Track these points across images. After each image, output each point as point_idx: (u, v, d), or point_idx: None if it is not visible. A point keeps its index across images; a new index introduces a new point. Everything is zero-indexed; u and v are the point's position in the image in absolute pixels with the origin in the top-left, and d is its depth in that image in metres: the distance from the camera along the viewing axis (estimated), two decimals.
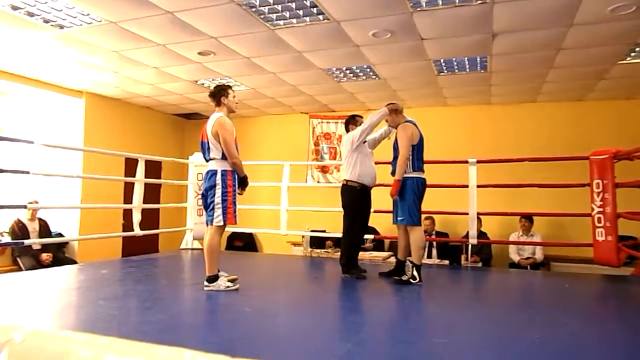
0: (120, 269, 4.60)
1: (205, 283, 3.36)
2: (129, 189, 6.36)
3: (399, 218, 3.87)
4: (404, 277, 3.80)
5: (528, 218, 6.17)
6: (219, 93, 3.45)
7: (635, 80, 5.85)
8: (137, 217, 5.37)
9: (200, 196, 4.26)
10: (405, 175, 3.85)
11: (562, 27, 4.27)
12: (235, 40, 4.83)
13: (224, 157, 3.36)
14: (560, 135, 6.85)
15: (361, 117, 4.30)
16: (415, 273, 3.75)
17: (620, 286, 4.14)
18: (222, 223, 3.33)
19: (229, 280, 3.40)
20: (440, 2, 3.89)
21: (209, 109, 8.24)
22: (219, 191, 3.32)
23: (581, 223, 5.05)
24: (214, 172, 3.36)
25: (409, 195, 3.84)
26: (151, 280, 4.01)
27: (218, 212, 3.32)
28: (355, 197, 4.07)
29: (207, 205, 3.39)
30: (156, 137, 8.71)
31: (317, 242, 6.92)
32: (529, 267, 6.06)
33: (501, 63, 5.34)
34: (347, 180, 4.10)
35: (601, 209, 4.47)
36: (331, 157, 8.10)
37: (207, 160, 3.47)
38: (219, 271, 3.40)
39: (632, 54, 4.97)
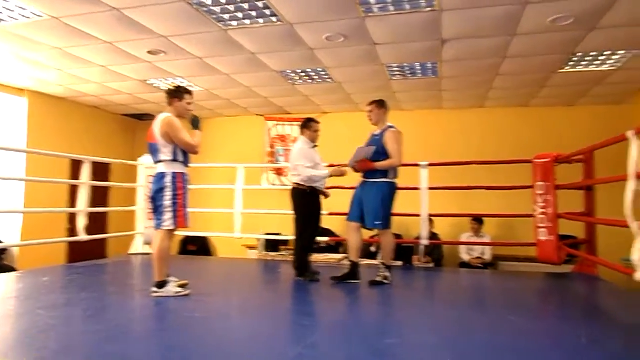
0: (63, 276, 4.38)
1: (154, 289, 3.25)
2: (75, 192, 6.07)
3: (376, 222, 3.82)
4: (378, 278, 3.84)
5: (477, 219, 6.39)
6: (175, 94, 3.35)
7: (574, 88, 6.19)
8: (82, 222, 5.14)
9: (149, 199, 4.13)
10: (389, 180, 3.84)
11: (506, 35, 4.45)
12: (187, 40, 4.73)
13: (174, 159, 3.26)
14: (507, 140, 7.14)
15: (317, 122, 4.26)
16: (387, 274, 3.86)
17: (561, 283, 4.35)
18: (172, 227, 3.24)
19: (179, 286, 3.31)
20: (392, 8, 3.96)
21: (160, 109, 8.03)
22: (168, 194, 3.22)
23: (527, 224, 5.27)
24: (163, 175, 3.24)
25: (388, 200, 3.85)
26: (96, 288, 3.84)
27: (168, 215, 3.22)
28: (305, 200, 4.07)
29: (156, 208, 3.28)
30: (105, 138, 8.38)
31: (272, 246, 6.87)
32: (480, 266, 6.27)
33: (451, 69, 5.51)
34: (296, 184, 4.10)
35: (543, 210, 4.69)
36: (287, 160, 8.05)
37: (155, 163, 3.34)
38: (168, 276, 3.30)
39: (570, 64, 5.25)
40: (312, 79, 6.13)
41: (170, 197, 3.22)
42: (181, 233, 7.11)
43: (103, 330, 2.46)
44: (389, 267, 3.91)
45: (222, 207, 6.81)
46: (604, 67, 5.34)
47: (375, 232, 4.40)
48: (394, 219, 6.67)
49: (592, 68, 5.37)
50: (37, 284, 3.78)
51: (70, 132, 7.59)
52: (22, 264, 6.50)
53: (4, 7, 3.99)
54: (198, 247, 8.12)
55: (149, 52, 5.08)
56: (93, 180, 5.31)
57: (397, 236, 6.78)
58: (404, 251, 6.48)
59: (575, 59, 5.09)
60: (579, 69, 5.40)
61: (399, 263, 5.86)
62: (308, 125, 4.22)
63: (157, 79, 6.19)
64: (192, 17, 4.15)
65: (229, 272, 5.08)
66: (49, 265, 5.29)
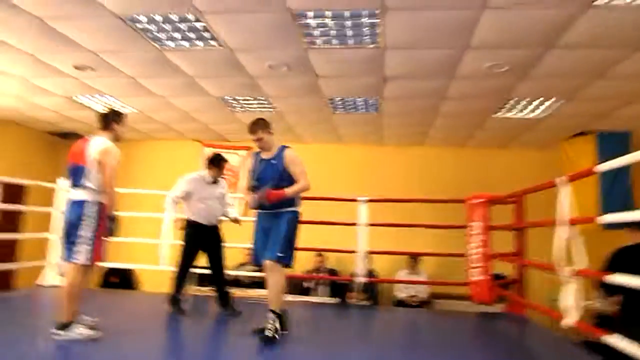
0: None
1: (55, 330, 2.83)
2: None
3: (279, 254, 3.08)
4: (268, 332, 2.98)
5: (414, 257, 6.38)
6: (113, 118, 3.13)
7: (506, 132, 6.47)
8: None
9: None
10: (297, 210, 3.28)
11: (446, 78, 4.55)
12: (118, 57, 4.42)
13: (101, 189, 2.94)
14: (446, 178, 7.28)
15: (226, 161, 4.31)
16: (278, 325, 3.04)
17: (491, 323, 4.41)
18: (88, 262, 2.89)
19: (90, 327, 2.91)
20: (335, 42, 3.92)
21: (88, 129, 7.48)
22: (90, 225, 2.89)
23: (463, 262, 5.30)
24: (83, 202, 2.90)
25: (294, 231, 3.23)
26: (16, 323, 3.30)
27: (84, 247, 2.86)
28: (189, 233, 4.14)
29: (69, 237, 2.89)
30: (24, 157, 7.65)
31: (205, 279, 6.45)
32: (414, 304, 6.22)
33: (392, 106, 5.56)
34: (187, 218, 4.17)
35: (477, 250, 4.72)
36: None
37: (74, 186, 2.97)
38: (78, 315, 2.89)
39: (504, 109, 5.48)
40: (253, 108, 5.96)
41: (92, 229, 2.89)
42: (104, 264, 6.53)
43: None
44: (279, 316, 3.09)
45: (149, 237, 6.36)
46: (535, 114, 5.61)
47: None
48: (330, 254, 6.62)
49: (523, 114, 5.63)
50: None
51: None
52: None
53: None
54: (120, 279, 7.51)
55: (75, 67, 4.70)
56: (3, 203, 4.76)
57: (333, 272, 6.65)
58: (340, 288, 6.33)
59: (508, 104, 5.31)
60: (511, 114, 5.64)
61: (333, 300, 5.68)
62: (215, 163, 4.21)
63: (84, 95, 5.76)
64: (125, 33, 3.87)
65: (145, 308, 4.65)
66: None
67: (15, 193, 6.88)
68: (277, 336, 2.99)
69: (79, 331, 2.85)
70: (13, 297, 4.84)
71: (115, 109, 3.29)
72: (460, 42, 3.80)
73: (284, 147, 3.31)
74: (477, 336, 4.08)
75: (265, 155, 3.30)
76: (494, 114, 5.64)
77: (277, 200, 3.10)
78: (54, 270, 5.35)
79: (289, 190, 3.13)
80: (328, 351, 3.06)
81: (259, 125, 3.28)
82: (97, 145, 2.98)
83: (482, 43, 3.79)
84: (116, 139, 3.13)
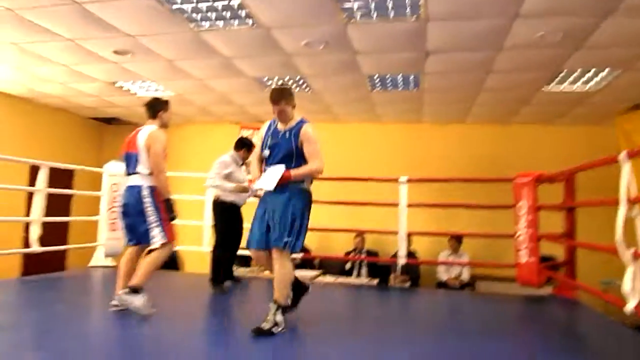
0: (14, 292, 3.99)
1: (124, 292, 2.99)
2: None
3: (285, 240, 2.76)
4: (266, 325, 2.68)
5: (456, 238, 6.21)
6: (159, 106, 3.29)
7: (554, 107, 6.12)
8: (35, 232, 4.74)
9: (117, 210, 3.79)
10: (306, 187, 2.92)
11: (492, 50, 4.30)
12: (156, 40, 4.42)
13: (151, 173, 3.14)
14: (488, 157, 7.02)
15: (254, 146, 3.86)
16: (280, 317, 2.72)
17: (539, 307, 4.21)
18: (165, 240, 3.10)
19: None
20: (375, 16, 3.76)
21: (130, 113, 7.70)
22: (151, 210, 3.09)
23: (506, 243, 5.11)
24: (140, 188, 3.10)
25: (307, 213, 2.90)
26: (44, 306, 3.46)
27: (156, 231, 3.08)
28: (224, 213, 4.17)
29: (138, 225, 3.11)
30: (70, 142, 7.92)
31: (244, 260, 6.53)
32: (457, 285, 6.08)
33: (433, 82, 5.35)
34: (218, 197, 4.22)
35: (524, 231, 4.53)
36: None
37: (130, 174, 3.18)
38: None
39: (555, 82, 5.16)
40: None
41: (155, 211, 3.10)
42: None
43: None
44: (283, 309, 2.78)
45: (192, 219, 6.48)
46: (588, 86, 5.26)
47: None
48: (370, 235, 6.55)
49: (575, 87, 5.29)
50: None
51: (30, 135, 7.13)
52: None
53: None
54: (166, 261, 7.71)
55: (115, 52, 4.75)
56: (52, 187, 4.94)
57: (374, 253, 6.58)
58: (381, 270, 6.26)
59: (559, 77, 4.99)
60: (562, 87, 5.31)
61: (374, 282, 5.63)
62: (245, 146, 4.27)
63: (126, 81, 5.84)
64: (161, 15, 3.86)
65: (189, 289, 4.74)
66: (1, 280, 4.86)
67: (64, 177, 7.14)
68: (274, 330, 2.67)
69: (144, 299, 2.98)
70: (65, 277, 5.04)
71: (160, 98, 3.41)
72: (509, 10, 3.56)
73: (302, 122, 2.90)
74: (525, 320, 3.91)
75: (281, 127, 2.92)
76: (543, 87, 5.33)
77: (281, 183, 2.78)
78: (103, 251, 5.54)
79: (296, 172, 2.80)
80: (370, 334, 3.00)
81: (284, 96, 2.87)
82: (145, 133, 3.18)
83: (534, 11, 3.53)
84: (164, 126, 3.31)
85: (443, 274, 6.28)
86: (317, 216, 6.45)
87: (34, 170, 6.52)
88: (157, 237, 3.08)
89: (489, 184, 5.53)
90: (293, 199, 2.81)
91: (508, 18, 3.69)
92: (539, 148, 6.92)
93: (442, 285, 6.23)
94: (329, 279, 5.68)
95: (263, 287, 4.49)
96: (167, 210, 3.14)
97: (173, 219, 3.18)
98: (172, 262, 7.81)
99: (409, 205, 4.93)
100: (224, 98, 6.42)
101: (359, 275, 6.24)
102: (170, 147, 9.30)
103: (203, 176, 5.90)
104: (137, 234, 3.13)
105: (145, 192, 3.09)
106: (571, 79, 5.05)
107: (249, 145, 4.25)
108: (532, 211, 4.47)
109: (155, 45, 4.54)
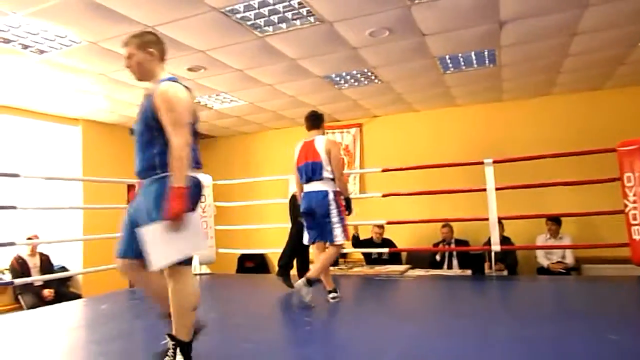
0: (121, 302, 4.33)
1: (303, 280, 3.39)
2: None
3: (338, 238, 3.52)
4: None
5: (555, 220, 5.73)
6: (321, 118, 3.79)
7: None
8: None
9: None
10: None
11: (577, 8, 3.89)
12: (225, 52, 4.56)
13: (332, 178, 3.56)
14: (578, 128, 6.40)
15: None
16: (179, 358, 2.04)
17: None
18: (343, 241, 3.54)
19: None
20: None
21: (211, 127, 8.05)
22: (334, 211, 3.51)
23: (614, 221, 4.60)
24: (326, 193, 3.53)
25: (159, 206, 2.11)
26: (151, 315, 3.68)
27: (338, 231, 3.50)
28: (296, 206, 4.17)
29: (319, 224, 3.56)
30: None
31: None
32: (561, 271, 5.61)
33: (511, 55, 4.97)
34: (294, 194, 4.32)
35: (636, 205, 4.05)
36: None
37: (313, 181, 3.57)
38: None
39: None
40: (359, 81, 5.79)
41: (337, 214, 3.52)
42: (237, 250, 6.99)
43: None
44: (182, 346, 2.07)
45: (276, 222, 6.63)
46: None
47: None
48: (457, 224, 6.25)
49: None
50: (95, 313, 3.78)
51: (124, 158, 7.70)
52: (87, 290, 6.61)
53: (44, 38, 4.00)
54: (255, 264, 7.97)
55: (189, 70, 4.97)
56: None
57: (464, 243, 6.27)
58: (474, 259, 5.95)
59: None
60: None
61: (468, 273, 5.35)
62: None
63: (202, 96, 6.11)
64: (227, 26, 3.96)
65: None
66: (112, 291, 5.30)
67: None
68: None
69: (309, 291, 3.37)
70: None
71: (315, 111, 3.86)
72: None
73: (164, 80, 2.14)
74: None
75: (147, 90, 2.23)
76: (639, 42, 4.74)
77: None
78: (198, 259, 5.81)
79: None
80: (474, 326, 2.83)
81: (133, 37, 2.23)
82: (322, 141, 3.61)
83: None
84: (324, 134, 3.79)
85: (543, 259, 5.83)
86: (401, 209, 6.35)
87: (131, 189, 7.07)
88: (338, 236, 3.50)
89: (585, 158, 5.01)
90: (154, 194, 2.04)
91: None
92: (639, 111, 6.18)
93: (543, 271, 5.77)
94: (419, 272, 5.50)
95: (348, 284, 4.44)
96: (347, 208, 3.63)
97: (349, 214, 3.67)
98: (262, 266, 8.06)
99: (498, 189, 4.62)
100: (295, 100, 6.49)
101: (450, 266, 5.99)
102: (249, 155, 9.65)
103: (282, 178, 6.03)
104: (322, 234, 3.57)
105: (331, 196, 3.52)
106: None
107: None
108: None
109: (225, 57, 4.69)
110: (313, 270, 3.47)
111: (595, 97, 6.50)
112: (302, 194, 3.66)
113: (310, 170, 3.57)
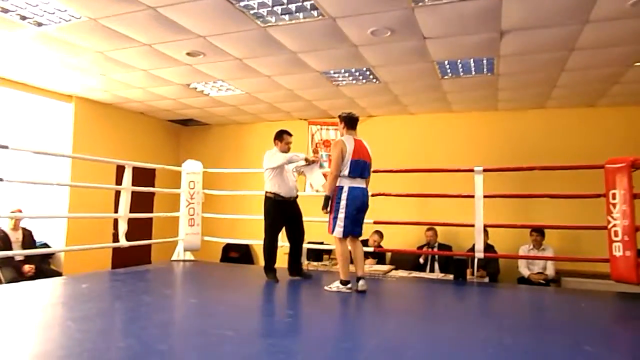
0: (103, 282, 4.30)
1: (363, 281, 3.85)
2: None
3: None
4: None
5: (539, 231, 5.82)
6: (355, 118, 4.04)
7: None
8: (122, 227, 5.07)
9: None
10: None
11: (577, 24, 3.94)
12: (225, 39, 4.54)
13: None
14: (571, 144, 6.50)
15: (290, 134, 4.53)
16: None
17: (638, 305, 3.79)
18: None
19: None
20: None
21: (205, 115, 8.03)
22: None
23: (596, 236, 4.69)
24: (367, 190, 4.00)
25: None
26: (132, 296, 3.68)
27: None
28: (270, 207, 4.40)
29: (360, 220, 3.95)
30: (151, 144, 8.43)
31: (314, 255, 6.58)
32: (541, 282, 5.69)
33: (509, 65, 5.02)
34: (265, 192, 4.44)
35: (618, 222, 4.12)
36: (330, 165, 7.77)
37: (360, 177, 3.91)
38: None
39: None
40: (357, 80, 5.81)
41: None
42: (223, 240, 6.97)
43: (129, 347, 2.25)
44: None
45: (261, 213, 6.63)
46: None
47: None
48: (442, 229, 6.32)
49: None
50: (75, 291, 3.75)
51: (116, 138, 7.66)
52: (68, 269, 6.57)
53: (44, 10, 3.95)
54: (240, 254, 7.97)
55: (188, 54, 4.94)
56: (136, 186, 5.26)
57: (447, 247, 6.33)
58: (457, 264, 6.00)
59: None
60: None
61: (450, 277, 5.40)
62: (280, 137, 4.47)
63: (199, 82, 6.08)
64: (229, 13, 3.94)
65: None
66: (94, 271, 5.27)
67: (146, 176, 7.61)
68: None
69: (338, 286, 3.91)
70: (150, 270, 5.34)
71: (348, 113, 4.08)
72: None
73: None
74: (628, 320, 3.51)
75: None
76: (635, 62, 4.81)
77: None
78: (182, 246, 5.80)
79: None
80: (452, 330, 2.86)
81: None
82: (367, 145, 4.01)
83: None
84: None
85: (524, 269, 5.91)
86: (389, 210, 6.38)
87: (120, 170, 7.02)
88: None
89: (573, 172, 5.08)
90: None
91: None
92: (632, 131, 6.28)
93: (524, 281, 5.86)
94: (401, 273, 5.55)
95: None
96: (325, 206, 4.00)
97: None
98: (246, 256, 8.06)
99: (486, 197, 4.67)
100: (291, 94, 6.48)
101: (432, 270, 6.04)
102: (242, 145, 9.62)
103: None
104: (360, 229, 3.96)
105: (369, 194, 3.99)
106: None
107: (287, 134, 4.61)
108: (627, 200, 4.05)
109: (225, 44, 4.67)
110: (359, 268, 3.93)
111: (589, 113, 6.60)
112: (351, 187, 3.84)
113: (363, 168, 3.90)
